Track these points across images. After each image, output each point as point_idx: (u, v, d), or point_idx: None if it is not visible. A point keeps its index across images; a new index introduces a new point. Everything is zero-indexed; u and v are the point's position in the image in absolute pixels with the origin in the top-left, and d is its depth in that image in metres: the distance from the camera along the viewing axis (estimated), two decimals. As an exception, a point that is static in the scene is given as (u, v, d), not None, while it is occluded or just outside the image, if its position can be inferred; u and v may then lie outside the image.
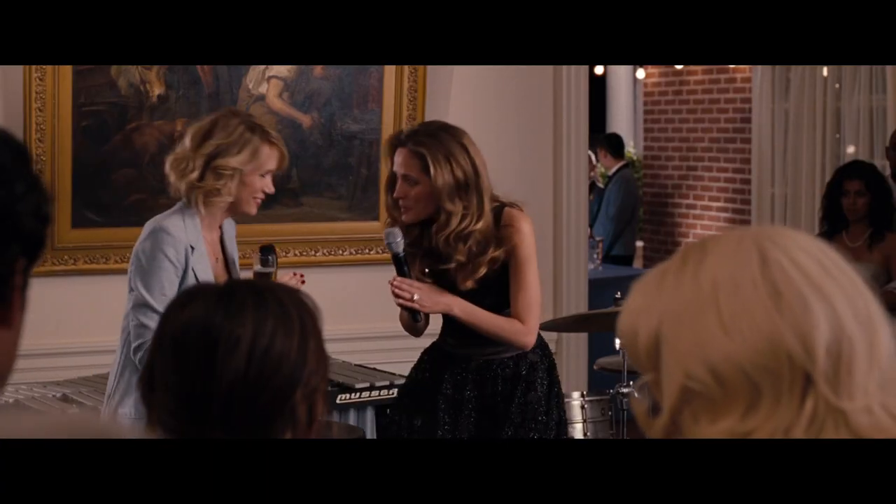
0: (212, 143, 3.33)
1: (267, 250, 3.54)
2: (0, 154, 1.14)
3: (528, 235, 3.45)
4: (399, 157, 3.41)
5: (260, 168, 3.36)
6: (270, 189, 3.42)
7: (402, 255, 3.43)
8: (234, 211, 3.44)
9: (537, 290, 3.47)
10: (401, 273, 3.42)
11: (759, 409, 1.15)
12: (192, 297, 1.64)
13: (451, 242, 3.38)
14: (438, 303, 3.42)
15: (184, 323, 1.61)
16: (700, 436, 1.17)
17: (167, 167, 3.41)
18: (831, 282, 1.19)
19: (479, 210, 3.37)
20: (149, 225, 3.38)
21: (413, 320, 3.46)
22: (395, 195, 3.43)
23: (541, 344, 3.59)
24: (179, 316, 1.62)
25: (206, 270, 3.38)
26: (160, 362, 1.61)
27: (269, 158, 3.38)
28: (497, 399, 3.48)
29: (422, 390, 3.55)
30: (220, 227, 3.52)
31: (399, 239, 3.41)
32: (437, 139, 3.38)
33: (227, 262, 3.53)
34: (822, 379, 1.15)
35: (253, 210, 3.43)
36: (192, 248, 3.35)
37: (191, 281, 3.32)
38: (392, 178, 3.47)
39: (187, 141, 3.38)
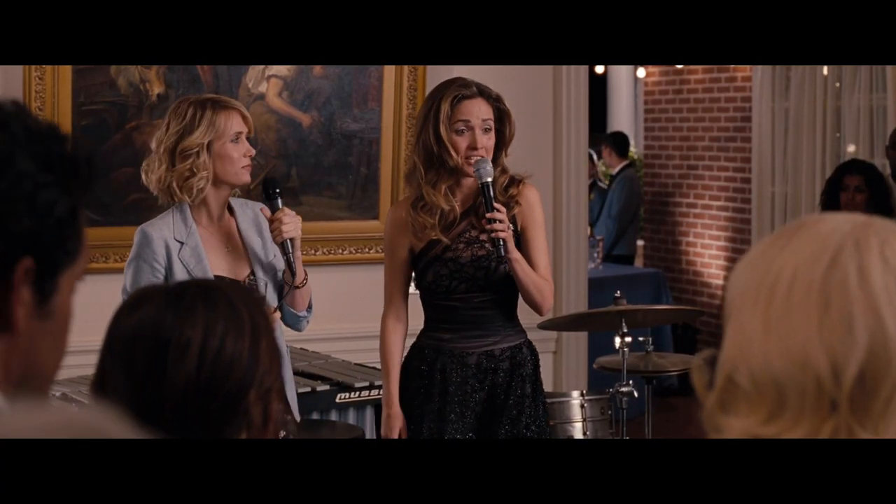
0: (171, 134, 3.34)
1: (270, 184, 3.46)
2: (12, 150, 1.11)
3: (538, 201, 3.62)
4: (474, 108, 3.47)
5: (224, 135, 3.34)
6: (251, 152, 3.39)
7: (491, 182, 3.44)
8: (225, 186, 3.40)
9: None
10: (490, 201, 3.40)
11: (781, 417, 1.10)
12: (141, 299, 1.60)
13: (498, 189, 3.50)
14: (512, 239, 3.45)
15: (133, 326, 1.57)
16: (725, 426, 1.14)
17: (143, 177, 3.43)
18: None
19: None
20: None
21: (500, 254, 3.39)
22: (476, 145, 3.45)
23: (528, 341, 3.64)
24: (129, 319, 1.58)
25: (199, 263, 3.36)
26: (110, 367, 1.57)
27: (229, 122, 3.35)
28: (498, 391, 3.50)
29: (425, 393, 3.54)
30: (233, 216, 3.48)
31: (490, 168, 3.44)
32: (491, 91, 3.53)
33: (246, 250, 3.46)
34: (846, 406, 1.08)
35: (245, 178, 3.40)
36: (181, 242, 3.35)
37: (179, 275, 3.32)
38: (440, 133, 3.45)
39: (153, 146, 3.42)
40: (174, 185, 3.34)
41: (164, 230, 3.36)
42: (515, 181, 3.56)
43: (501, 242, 3.36)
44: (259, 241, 3.48)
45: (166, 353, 1.54)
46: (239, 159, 3.36)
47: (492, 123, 3.48)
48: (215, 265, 3.40)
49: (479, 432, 3.49)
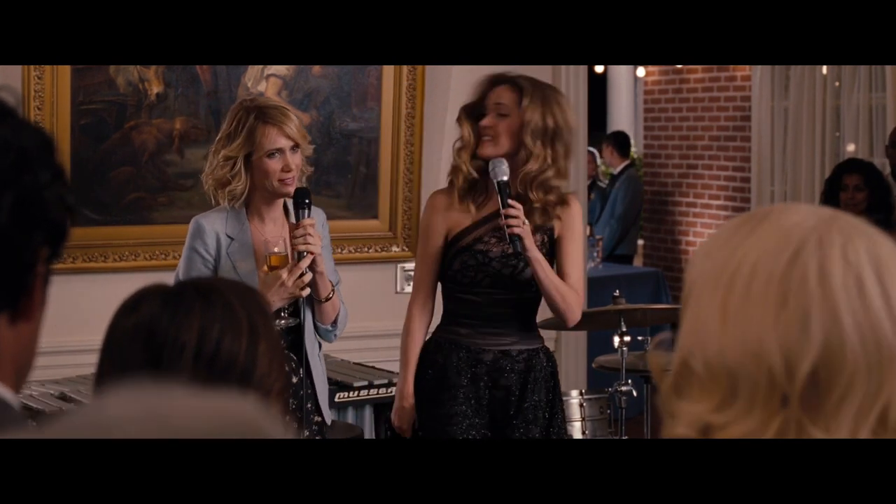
0: (220, 137, 3.39)
1: (300, 195, 3.39)
2: (27, 141, 1.14)
3: (581, 216, 3.64)
4: (494, 90, 3.51)
5: (260, 149, 3.33)
6: (290, 166, 3.36)
7: (506, 181, 3.41)
8: (270, 195, 3.40)
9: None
10: (503, 200, 3.38)
11: (732, 406, 1.10)
12: (139, 300, 1.59)
13: (529, 185, 3.45)
14: (531, 234, 3.43)
15: (129, 328, 1.56)
16: (678, 410, 1.14)
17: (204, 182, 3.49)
18: (859, 304, 1.08)
19: (562, 165, 3.49)
20: None
21: (515, 249, 3.38)
22: (482, 124, 3.47)
23: (546, 347, 3.63)
24: (126, 321, 1.57)
25: (246, 260, 3.38)
26: (108, 369, 1.57)
27: (265, 139, 3.33)
28: (510, 397, 3.50)
29: (438, 384, 3.52)
30: (288, 218, 3.48)
31: (505, 167, 3.41)
32: (538, 85, 3.53)
33: (298, 253, 3.39)
34: (797, 403, 1.08)
35: (283, 190, 3.38)
36: (231, 238, 3.37)
37: (225, 270, 3.35)
38: (474, 114, 3.52)
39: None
40: (214, 186, 3.39)
41: (216, 223, 3.39)
42: (561, 198, 3.54)
43: (517, 238, 3.35)
44: (323, 243, 3.47)
45: (160, 358, 1.54)
46: (275, 173, 3.34)
47: (508, 106, 3.48)
48: (262, 266, 3.40)
49: (494, 432, 3.49)
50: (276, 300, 3.30)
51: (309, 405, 3.48)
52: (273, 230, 3.45)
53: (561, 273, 3.51)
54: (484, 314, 3.52)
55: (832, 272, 1.09)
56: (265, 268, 3.37)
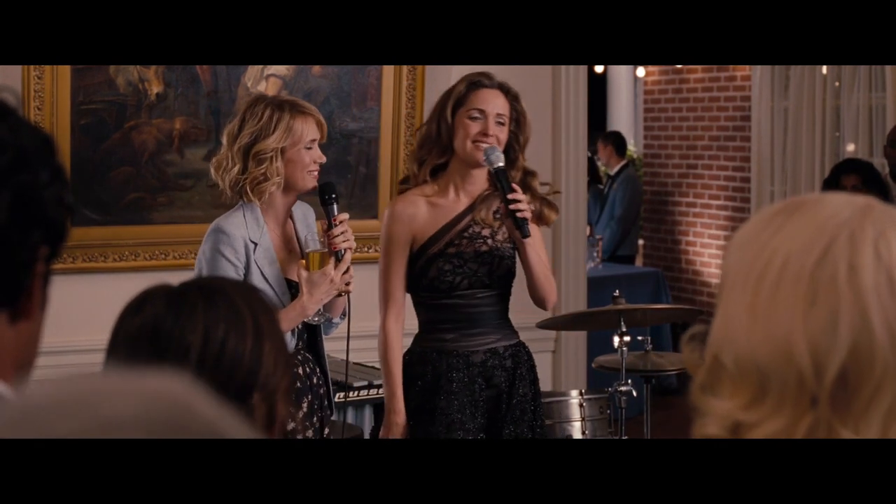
0: (245, 134, 3.32)
1: (328, 189, 3.40)
2: (26, 140, 1.14)
3: None
4: (493, 97, 3.47)
5: (299, 141, 3.32)
6: (321, 158, 3.37)
7: (504, 167, 3.42)
8: (293, 191, 3.38)
9: None
10: (505, 186, 3.38)
11: (763, 404, 1.09)
12: (144, 300, 1.60)
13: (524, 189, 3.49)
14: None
15: (134, 329, 1.57)
16: (708, 406, 1.13)
17: (212, 174, 3.41)
18: (891, 302, 1.06)
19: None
20: (210, 227, 3.37)
21: (524, 234, 3.38)
22: (487, 131, 3.43)
23: (522, 342, 3.65)
24: (131, 321, 1.58)
25: (271, 265, 3.34)
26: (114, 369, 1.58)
27: (306, 129, 3.33)
28: (502, 395, 3.50)
29: (430, 396, 3.51)
30: (291, 217, 3.46)
31: (500, 153, 3.42)
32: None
33: (302, 252, 3.42)
34: (826, 403, 1.06)
35: (310, 184, 3.37)
36: (255, 243, 3.32)
37: (255, 277, 3.30)
38: (453, 115, 3.49)
39: (224, 141, 3.39)
40: (247, 187, 3.31)
41: (240, 229, 3.32)
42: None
43: (525, 223, 3.35)
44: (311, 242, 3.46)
45: (165, 357, 1.54)
46: (309, 164, 3.34)
47: (507, 118, 3.48)
48: (285, 269, 3.38)
49: (488, 431, 3.49)
50: (325, 298, 3.30)
51: (325, 402, 3.49)
52: (284, 233, 3.43)
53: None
54: (465, 315, 3.51)
55: (863, 270, 1.06)
56: (302, 264, 3.34)
